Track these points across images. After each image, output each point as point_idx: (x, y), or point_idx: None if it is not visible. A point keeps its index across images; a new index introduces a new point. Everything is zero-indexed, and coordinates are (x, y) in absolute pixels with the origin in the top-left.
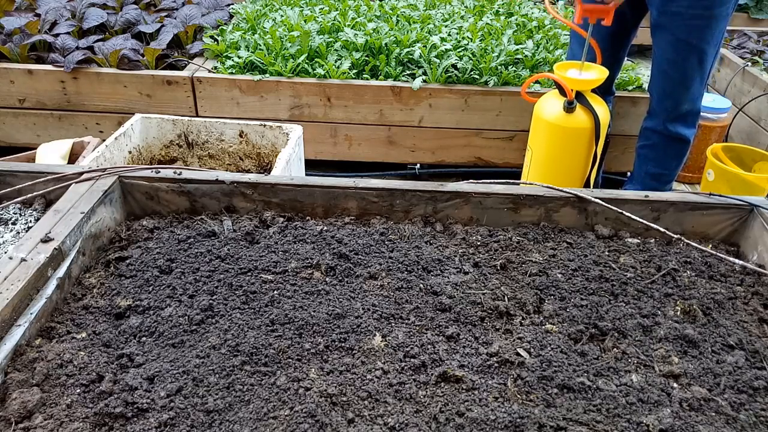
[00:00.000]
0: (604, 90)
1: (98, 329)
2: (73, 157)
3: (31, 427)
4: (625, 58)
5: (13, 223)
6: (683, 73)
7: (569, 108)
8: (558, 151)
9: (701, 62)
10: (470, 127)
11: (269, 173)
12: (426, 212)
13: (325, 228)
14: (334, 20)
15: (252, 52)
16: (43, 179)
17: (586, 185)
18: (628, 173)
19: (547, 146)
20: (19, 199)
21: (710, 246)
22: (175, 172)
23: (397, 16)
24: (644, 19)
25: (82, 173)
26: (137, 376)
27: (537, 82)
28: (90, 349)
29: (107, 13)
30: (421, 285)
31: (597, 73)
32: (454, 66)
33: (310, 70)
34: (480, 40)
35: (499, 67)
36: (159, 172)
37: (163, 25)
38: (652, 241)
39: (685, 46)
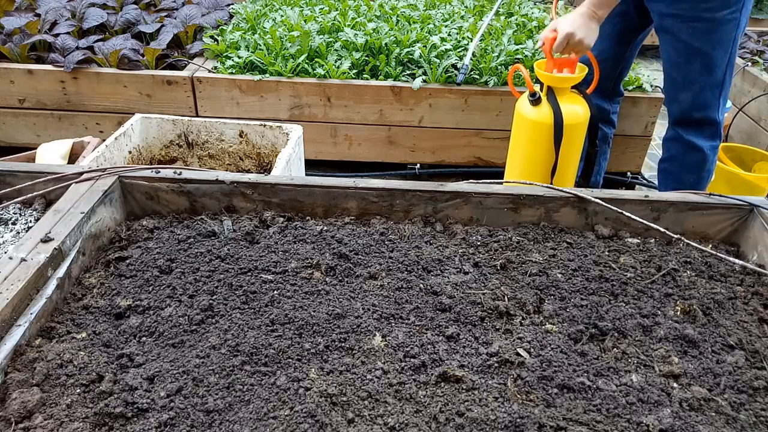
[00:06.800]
0: (611, 92)
1: (98, 329)
2: (73, 157)
3: (31, 427)
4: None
5: (13, 223)
6: (686, 77)
7: (532, 100)
8: (517, 141)
9: (708, 67)
10: (470, 127)
11: (269, 173)
12: (426, 212)
13: (325, 228)
14: (334, 20)
15: (252, 52)
16: (43, 179)
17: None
18: (628, 173)
19: (514, 136)
20: (19, 199)
21: (710, 246)
22: (175, 172)
23: (397, 16)
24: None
25: (82, 173)
26: (137, 376)
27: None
28: (90, 349)
29: (107, 13)
30: (421, 285)
31: (575, 72)
32: (454, 66)
33: (310, 70)
34: (480, 40)
35: (499, 67)
36: (159, 172)
37: (163, 25)
38: (652, 241)
39: (687, 48)
